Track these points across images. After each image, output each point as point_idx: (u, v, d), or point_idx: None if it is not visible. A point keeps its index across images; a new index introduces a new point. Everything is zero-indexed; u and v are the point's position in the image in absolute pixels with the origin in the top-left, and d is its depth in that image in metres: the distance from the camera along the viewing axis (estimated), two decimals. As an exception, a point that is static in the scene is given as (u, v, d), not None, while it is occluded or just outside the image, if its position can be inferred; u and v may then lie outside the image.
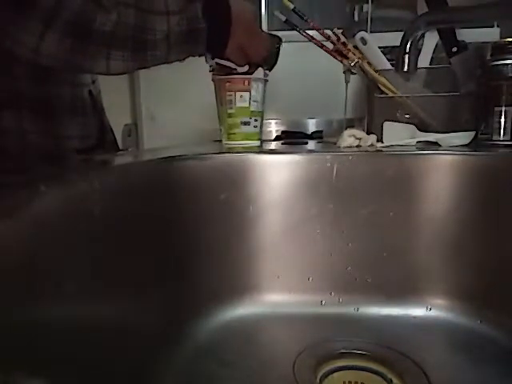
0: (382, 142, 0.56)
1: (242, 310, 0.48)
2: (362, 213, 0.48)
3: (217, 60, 0.57)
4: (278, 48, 0.61)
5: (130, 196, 0.38)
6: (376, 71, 0.63)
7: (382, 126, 0.57)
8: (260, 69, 0.57)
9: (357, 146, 0.55)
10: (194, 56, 0.54)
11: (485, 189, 0.46)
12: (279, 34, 0.63)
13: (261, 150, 0.52)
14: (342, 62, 0.64)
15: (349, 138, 0.55)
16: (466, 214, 0.47)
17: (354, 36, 0.64)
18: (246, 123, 0.58)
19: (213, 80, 0.58)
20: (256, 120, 0.58)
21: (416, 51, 0.63)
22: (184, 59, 0.54)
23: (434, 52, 0.67)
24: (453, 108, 0.62)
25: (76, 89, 0.57)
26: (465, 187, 0.46)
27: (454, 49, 0.62)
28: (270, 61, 0.60)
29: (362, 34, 0.64)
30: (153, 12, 0.47)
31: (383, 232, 0.48)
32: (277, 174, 0.48)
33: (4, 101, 0.50)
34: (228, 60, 0.56)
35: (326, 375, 0.39)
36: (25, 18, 0.41)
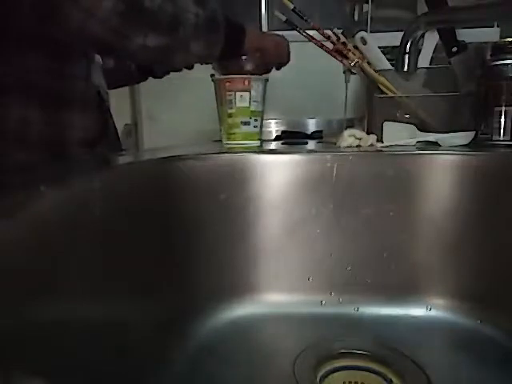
0: (382, 142, 0.56)
1: (242, 309, 0.48)
2: (362, 213, 0.48)
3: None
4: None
5: (130, 196, 0.38)
6: (376, 71, 0.63)
7: (382, 126, 0.57)
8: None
9: (357, 146, 0.55)
10: (211, 60, 0.57)
11: (485, 189, 0.46)
12: (279, 34, 0.63)
13: (261, 150, 0.52)
14: (342, 61, 0.64)
15: (349, 137, 0.55)
16: (465, 213, 0.47)
17: (353, 36, 0.64)
18: (246, 123, 0.58)
19: (213, 80, 0.58)
20: (256, 120, 0.58)
21: (416, 51, 0.63)
22: (202, 60, 0.57)
23: (434, 52, 0.67)
24: (453, 108, 0.62)
25: (86, 86, 0.57)
26: (465, 187, 0.46)
27: (454, 49, 0.62)
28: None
29: (361, 33, 0.64)
30: None
31: (383, 232, 0.48)
32: (277, 174, 0.48)
33: (12, 88, 0.50)
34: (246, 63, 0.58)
35: (325, 375, 0.39)
36: None
